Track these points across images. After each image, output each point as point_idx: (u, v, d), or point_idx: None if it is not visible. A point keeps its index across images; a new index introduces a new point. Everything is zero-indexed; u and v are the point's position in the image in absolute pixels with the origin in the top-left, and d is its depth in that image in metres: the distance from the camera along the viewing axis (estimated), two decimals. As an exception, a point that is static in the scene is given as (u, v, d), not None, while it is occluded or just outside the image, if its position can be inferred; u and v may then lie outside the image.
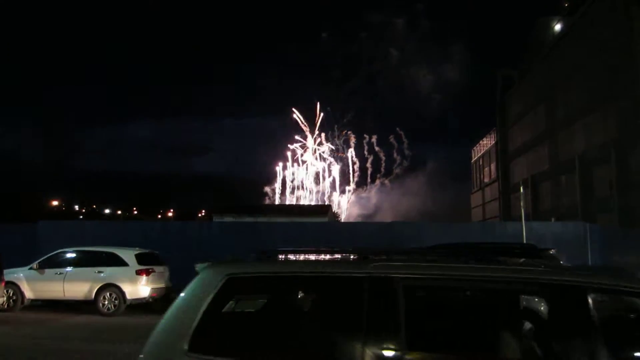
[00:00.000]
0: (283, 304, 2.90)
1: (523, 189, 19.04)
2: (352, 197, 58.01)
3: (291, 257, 3.09)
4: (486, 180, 46.56)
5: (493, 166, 43.92)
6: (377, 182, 57.31)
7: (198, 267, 2.94)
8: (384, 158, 56.67)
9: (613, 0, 23.47)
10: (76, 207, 78.09)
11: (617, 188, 22.59)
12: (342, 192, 57.20)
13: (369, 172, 57.31)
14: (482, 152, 48.48)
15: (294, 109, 56.53)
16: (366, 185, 57.86)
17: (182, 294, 2.77)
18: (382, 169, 57.38)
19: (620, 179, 22.50)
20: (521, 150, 36.83)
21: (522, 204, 16.24)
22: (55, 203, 69.34)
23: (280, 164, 57.18)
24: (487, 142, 47.16)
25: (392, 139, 56.47)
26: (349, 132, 56.71)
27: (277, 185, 57.34)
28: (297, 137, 56.86)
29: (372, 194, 57.98)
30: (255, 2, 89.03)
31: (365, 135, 57.07)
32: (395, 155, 56.66)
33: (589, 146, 25.75)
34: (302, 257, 3.11)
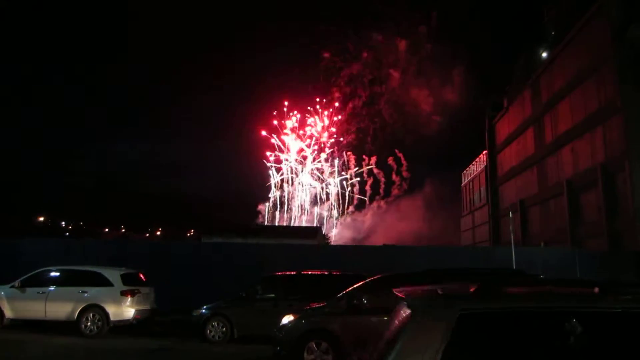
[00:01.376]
0: (532, 349, 2.31)
1: (512, 214, 19.16)
2: (348, 219, 58.07)
3: (523, 289, 2.66)
4: (476, 203, 46.78)
5: (483, 190, 44.20)
6: (374, 204, 57.56)
7: (409, 300, 2.49)
8: (383, 179, 57.08)
9: (597, 29, 24.05)
10: (63, 224, 77.05)
11: (605, 213, 22.78)
12: (340, 214, 57.27)
13: (367, 194, 57.65)
14: (472, 175, 48.83)
15: (294, 129, 56.76)
16: (364, 207, 58.07)
17: (402, 340, 2.26)
18: (382, 191, 57.70)
19: (608, 204, 22.71)
20: (510, 174, 37.16)
21: (511, 228, 16.30)
22: (41, 219, 68.44)
23: (275, 182, 57.13)
24: (477, 166, 47.56)
25: (391, 160, 57.05)
26: (348, 153, 57.14)
27: (268, 205, 57.17)
28: (295, 158, 56.91)
29: (367, 216, 58.10)
30: (251, 21, 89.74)
31: (364, 157, 57.53)
32: (394, 177, 57.21)
33: (577, 171, 26.06)
34: (534, 289, 2.66)
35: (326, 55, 57.63)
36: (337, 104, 57.72)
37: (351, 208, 57.98)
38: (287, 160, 56.95)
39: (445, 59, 58.47)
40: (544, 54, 32.89)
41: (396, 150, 57.83)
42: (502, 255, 16.30)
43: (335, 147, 57.65)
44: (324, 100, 57.73)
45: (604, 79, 23.31)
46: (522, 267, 12.07)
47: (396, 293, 2.79)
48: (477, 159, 47.04)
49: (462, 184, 52.22)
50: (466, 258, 17.22)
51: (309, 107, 57.65)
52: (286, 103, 57.13)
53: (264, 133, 56.45)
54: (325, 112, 57.53)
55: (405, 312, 2.57)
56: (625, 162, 21.31)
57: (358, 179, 57.69)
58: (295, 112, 57.15)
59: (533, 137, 32.86)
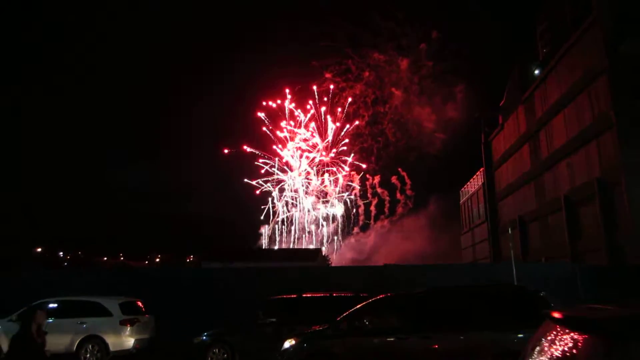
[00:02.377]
0: None
1: (511, 230, 19.14)
2: (352, 240, 57.97)
3: None
4: (475, 220, 46.73)
5: (481, 207, 44.21)
6: (378, 224, 57.59)
7: (598, 324, 1.99)
8: (388, 198, 57.25)
9: (590, 43, 24.40)
10: (61, 254, 76.55)
11: (604, 227, 22.76)
12: (342, 235, 57.17)
13: (372, 214, 57.71)
14: (471, 193, 48.90)
15: (299, 150, 56.87)
16: (368, 228, 58.07)
17: None
18: (387, 210, 57.80)
19: (607, 218, 22.71)
20: (508, 190, 37.24)
21: (510, 245, 16.27)
22: (39, 250, 68.01)
23: (280, 204, 57.05)
24: (475, 183, 47.67)
25: (394, 179, 57.37)
26: (352, 173, 57.39)
27: (269, 227, 56.98)
28: (300, 179, 56.83)
29: (370, 237, 58.04)
30: (250, 42, 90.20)
31: (368, 176, 57.78)
32: (398, 195, 57.48)
33: (574, 185, 26.13)
34: None
35: (328, 75, 58.26)
36: (338, 124, 58.15)
37: (356, 229, 57.96)
38: (280, 173, 56.84)
39: (445, 76, 59.21)
40: (537, 70, 33.33)
41: (399, 169, 58.20)
42: (503, 271, 16.20)
43: (339, 168, 57.88)
44: (327, 118, 58.04)
45: (597, 93, 23.57)
46: (523, 283, 12.02)
47: (558, 315, 2.37)
48: (475, 176, 47.18)
49: (461, 202, 52.25)
50: (467, 275, 17.13)
51: (309, 129, 57.93)
52: (286, 107, 57.23)
53: (247, 149, 56.36)
54: (329, 130, 57.91)
55: (580, 338, 2.06)
56: (621, 175, 21.40)
57: (362, 202, 57.83)
58: (294, 127, 57.39)
59: (529, 153, 33.06)
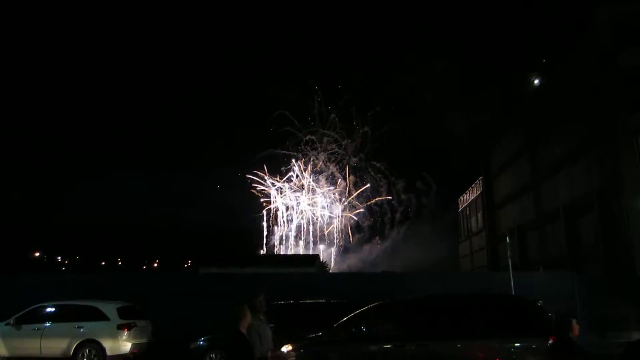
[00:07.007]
0: None
1: (509, 239, 19.17)
2: (366, 247, 58.20)
3: None
4: (473, 229, 46.72)
5: (479, 215, 44.21)
6: (393, 231, 57.81)
7: None
8: (413, 201, 57.47)
9: (587, 55, 24.53)
10: (59, 259, 76.41)
11: (602, 238, 22.77)
12: (367, 242, 57.28)
13: (396, 219, 57.94)
14: (469, 201, 48.92)
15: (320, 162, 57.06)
16: (389, 235, 58.20)
17: None
18: (411, 215, 58.04)
19: (605, 229, 22.73)
20: (506, 200, 37.27)
21: (508, 254, 16.30)
22: (37, 254, 67.90)
23: (284, 212, 57.09)
24: (473, 191, 47.71)
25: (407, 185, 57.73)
26: (379, 176, 57.75)
27: (264, 237, 56.87)
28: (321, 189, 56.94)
29: (382, 245, 58.23)
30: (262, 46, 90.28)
31: (395, 181, 58.04)
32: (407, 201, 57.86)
33: (573, 196, 26.16)
34: None
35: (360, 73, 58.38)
36: (368, 130, 58.43)
37: (377, 238, 58.26)
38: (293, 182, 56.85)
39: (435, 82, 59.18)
40: (536, 80, 33.44)
41: (424, 174, 58.55)
42: (501, 280, 16.23)
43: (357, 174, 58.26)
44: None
45: (595, 104, 23.61)
46: (521, 293, 12.05)
47: None
48: (474, 184, 47.22)
49: (459, 210, 52.25)
50: (465, 284, 17.16)
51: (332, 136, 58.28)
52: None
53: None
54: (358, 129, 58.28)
55: None
56: (620, 186, 21.46)
57: (387, 214, 58.04)
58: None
59: (528, 163, 33.13)
